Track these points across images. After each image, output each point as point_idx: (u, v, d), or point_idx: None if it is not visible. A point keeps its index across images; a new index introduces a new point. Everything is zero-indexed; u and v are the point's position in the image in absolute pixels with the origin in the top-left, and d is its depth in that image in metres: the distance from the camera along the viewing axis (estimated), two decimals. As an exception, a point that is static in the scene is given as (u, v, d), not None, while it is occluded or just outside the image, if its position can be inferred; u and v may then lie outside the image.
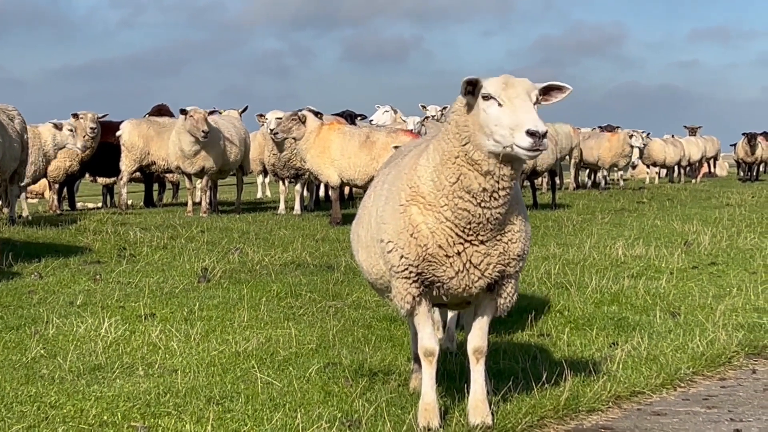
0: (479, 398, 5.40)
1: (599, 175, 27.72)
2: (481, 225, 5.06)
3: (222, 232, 13.95)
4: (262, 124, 19.06)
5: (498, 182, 4.96)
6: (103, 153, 18.77)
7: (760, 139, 35.37)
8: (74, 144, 16.32)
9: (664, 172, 35.24)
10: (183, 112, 16.64)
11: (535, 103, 4.90)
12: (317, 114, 16.14)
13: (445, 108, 21.34)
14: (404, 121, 19.94)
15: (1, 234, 12.89)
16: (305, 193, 19.43)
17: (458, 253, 5.12)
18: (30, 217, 15.49)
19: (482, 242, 5.12)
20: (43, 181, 19.43)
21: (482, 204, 5.00)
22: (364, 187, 14.26)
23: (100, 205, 23.17)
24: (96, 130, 18.03)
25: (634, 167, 32.51)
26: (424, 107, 22.33)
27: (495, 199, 4.99)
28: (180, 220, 15.39)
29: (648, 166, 33.69)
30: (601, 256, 11.82)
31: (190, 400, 5.77)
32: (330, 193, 17.32)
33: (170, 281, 9.91)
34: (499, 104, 4.86)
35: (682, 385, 6.63)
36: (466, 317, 5.77)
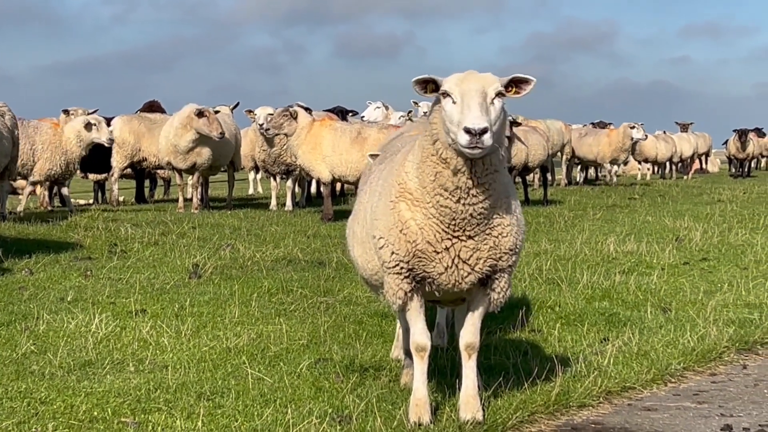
0: (470, 394, 5.40)
1: (591, 171, 27.68)
2: (465, 221, 5.05)
3: (213, 229, 13.94)
4: (253, 121, 19.03)
5: (471, 179, 4.94)
6: (94, 149, 18.70)
7: (751, 135, 35.48)
8: (99, 138, 15.99)
9: (655, 168, 35.28)
10: (200, 114, 16.38)
11: (494, 99, 4.88)
12: (307, 110, 16.12)
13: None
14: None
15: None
16: (297, 189, 19.41)
17: (446, 249, 5.11)
18: (22, 213, 15.44)
19: (470, 237, 5.10)
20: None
21: (461, 201, 4.99)
22: (356, 184, 14.25)
23: (91, 201, 23.11)
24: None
25: (625, 164, 32.53)
26: (416, 104, 22.31)
27: (474, 195, 4.98)
28: (171, 216, 15.35)
29: (640, 163, 33.72)
30: (593, 252, 11.83)
31: (180, 396, 5.77)
32: (322, 189, 17.30)
33: (161, 277, 9.90)
34: (454, 101, 4.87)
35: (673, 380, 6.64)
36: (458, 312, 5.77)
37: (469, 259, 5.14)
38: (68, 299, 8.64)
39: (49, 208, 18.04)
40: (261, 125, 16.99)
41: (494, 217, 5.12)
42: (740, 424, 5.69)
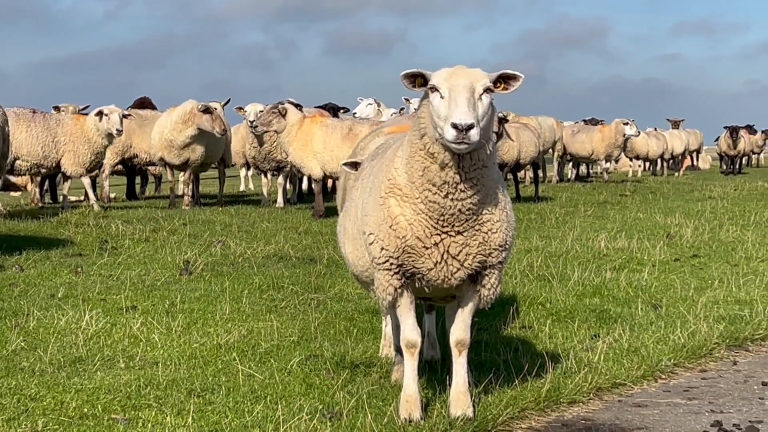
0: (461, 390, 5.40)
1: (583, 168, 27.68)
2: (454, 216, 5.04)
3: (204, 225, 13.93)
4: (244, 118, 19.01)
5: (458, 174, 4.95)
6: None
7: (742, 132, 35.56)
8: (107, 128, 15.93)
9: (647, 165, 35.33)
10: (207, 110, 16.40)
11: (482, 94, 4.88)
12: (298, 106, 16.09)
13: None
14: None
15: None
16: (288, 185, 19.40)
17: (436, 244, 5.11)
18: (6, 210, 15.38)
19: (459, 233, 5.10)
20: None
21: (449, 196, 4.99)
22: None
23: (82, 198, 23.06)
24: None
25: (617, 161, 32.56)
26: (407, 100, 22.28)
27: (462, 191, 4.98)
28: (162, 212, 15.34)
29: (631, 159, 33.75)
30: (584, 248, 11.85)
31: (171, 393, 5.76)
32: (313, 185, 17.29)
33: (152, 274, 9.89)
34: (441, 96, 4.87)
35: (663, 376, 6.65)
36: (449, 309, 5.76)
37: (458, 255, 5.13)
38: (59, 296, 8.63)
39: (40, 204, 18.00)
40: (251, 122, 16.98)
41: (483, 212, 5.11)
42: (730, 420, 5.70)
